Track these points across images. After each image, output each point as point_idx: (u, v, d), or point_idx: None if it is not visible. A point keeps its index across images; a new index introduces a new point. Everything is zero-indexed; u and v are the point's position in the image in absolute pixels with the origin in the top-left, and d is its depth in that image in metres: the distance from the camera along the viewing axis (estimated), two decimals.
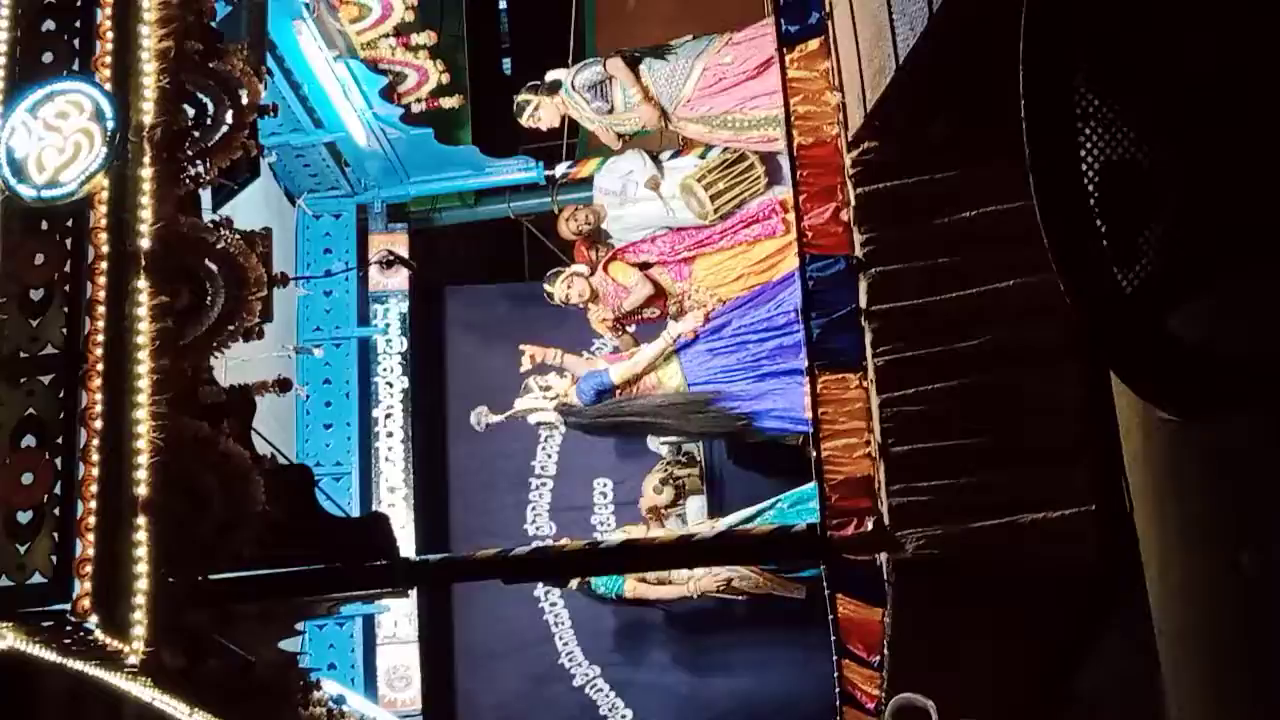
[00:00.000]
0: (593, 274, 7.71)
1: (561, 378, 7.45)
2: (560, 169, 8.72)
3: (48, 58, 5.41)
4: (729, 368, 6.98)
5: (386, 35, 8.21)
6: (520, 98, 7.76)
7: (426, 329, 8.94)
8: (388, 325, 8.84)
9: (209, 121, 5.61)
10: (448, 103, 8.47)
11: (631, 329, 7.74)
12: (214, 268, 5.42)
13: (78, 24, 5.42)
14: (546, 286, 7.75)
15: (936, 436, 5.43)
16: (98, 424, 4.98)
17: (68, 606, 4.82)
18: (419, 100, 8.42)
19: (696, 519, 7.89)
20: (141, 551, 4.95)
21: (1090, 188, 3.54)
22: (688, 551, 6.06)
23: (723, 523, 7.08)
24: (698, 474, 7.98)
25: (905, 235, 5.56)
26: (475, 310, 9.05)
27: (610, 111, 7.54)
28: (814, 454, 5.73)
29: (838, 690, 6.13)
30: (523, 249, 9.98)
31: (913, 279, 5.51)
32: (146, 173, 5.24)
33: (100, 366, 5.04)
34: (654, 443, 7.95)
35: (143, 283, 5.13)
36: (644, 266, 7.64)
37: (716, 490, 7.98)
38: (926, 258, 5.50)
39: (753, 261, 7.34)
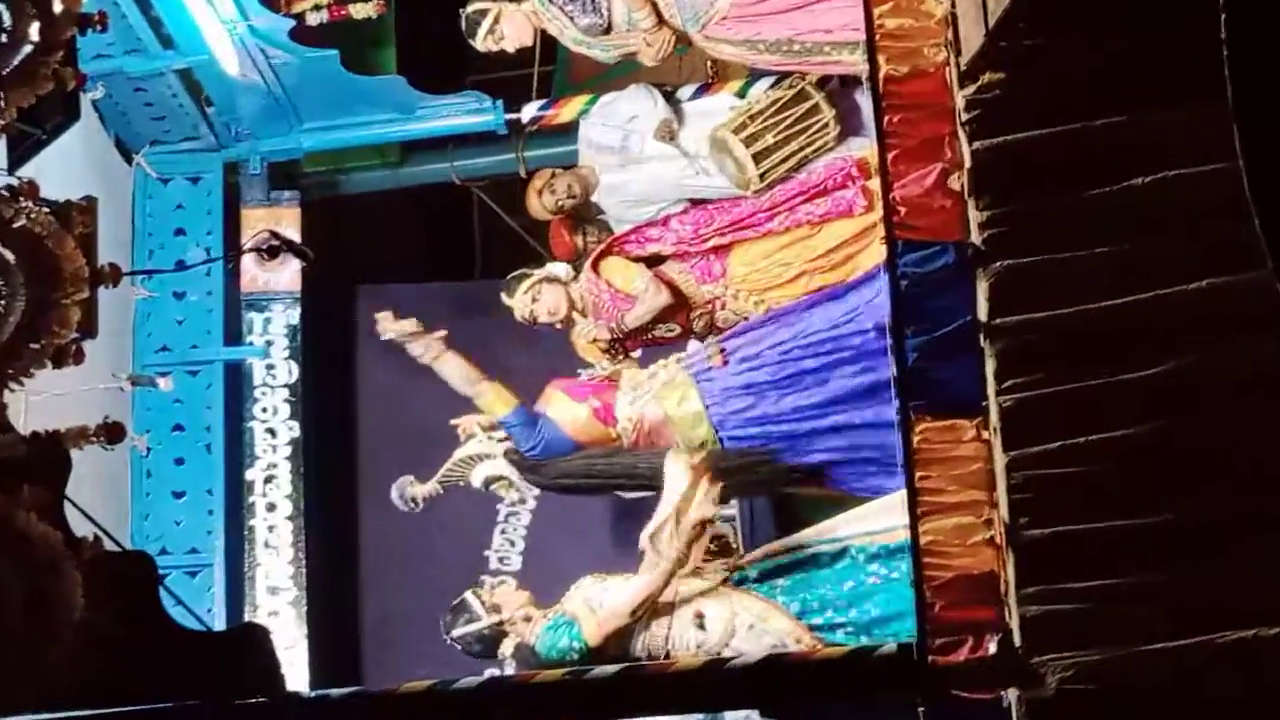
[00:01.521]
0: (575, 277, 7.71)
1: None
2: (529, 111, 8.72)
3: None
4: (776, 414, 6.99)
5: None
6: (472, 7, 7.81)
7: (328, 350, 8.97)
8: (269, 344, 8.87)
9: (4, 39, 5.58)
10: (360, 11, 8.50)
11: (637, 354, 7.73)
12: (9, 256, 5.40)
13: None
14: (505, 297, 7.75)
15: (1093, 513, 5.45)
16: None
17: None
18: (318, 7, 8.45)
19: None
20: None
21: None
22: (717, 680, 6.02)
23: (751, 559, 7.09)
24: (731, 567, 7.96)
25: (1045, 213, 5.60)
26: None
27: (606, 31, 7.61)
28: (910, 539, 5.75)
29: None
30: (473, 231, 10.01)
31: (1057, 278, 5.55)
32: None
33: None
34: None
35: None
36: (655, 261, 7.64)
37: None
38: (1077, 246, 5.53)
39: (818, 253, 7.39)
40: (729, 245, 7.52)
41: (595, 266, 7.66)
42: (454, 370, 7.47)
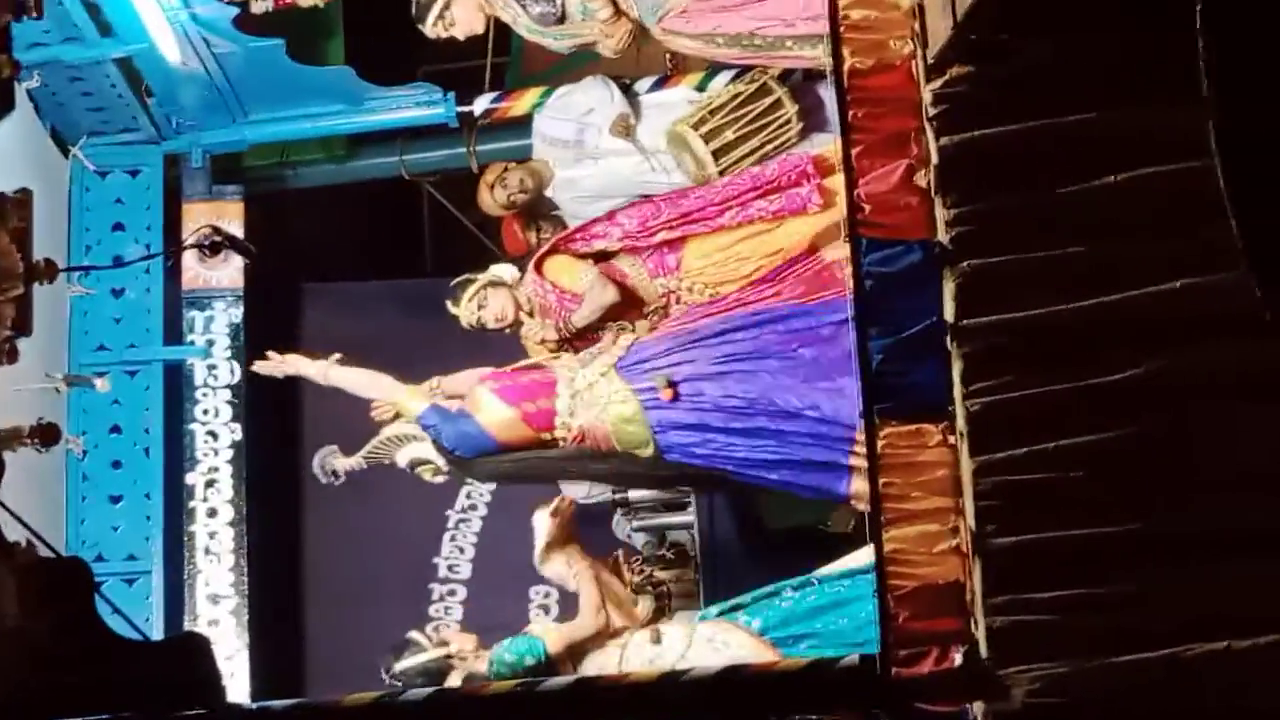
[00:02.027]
0: (521, 279, 7.71)
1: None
2: (482, 103, 8.71)
3: None
4: (725, 456, 7.04)
5: None
6: None
7: (272, 350, 8.60)
8: (211, 344, 8.81)
9: None
10: None
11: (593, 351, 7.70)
12: None
13: None
14: (450, 306, 7.73)
15: (1061, 521, 5.46)
16: None
17: None
18: None
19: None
20: None
21: None
22: (673, 692, 5.98)
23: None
24: (691, 578, 7.97)
25: (1014, 211, 5.63)
26: (347, 321, 9.05)
27: (560, 20, 7.62)
28: (873, 548, 5.77)
29: None
30: (423, 227, 9.99)
31: (1026, 278, 5.57)
32: None
33: None
34: (622, 528, 7.96)
35: None
36: (603, 257, 7.61)
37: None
38: (1046, 245, 5.56)
39: (772, 249, 7.35)
40: (682, 239, 7.47)
41: (539, 267, 7.62)
42: (349, 381, 7.49)
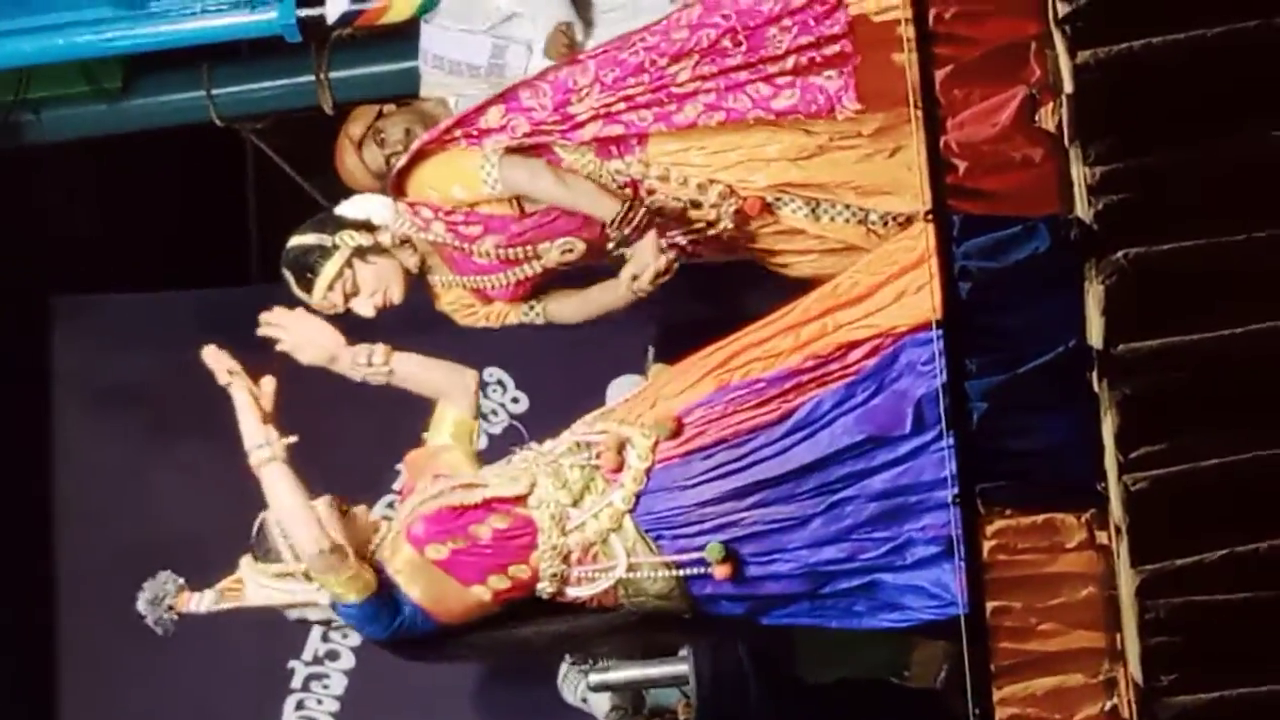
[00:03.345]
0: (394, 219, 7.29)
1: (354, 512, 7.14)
2: (338, 5, 8.50)
3: None
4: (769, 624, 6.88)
5: None
6: None
7: (4, 406, 8.87)
8: None
9: None
10: None
11: (534, 310, 7.30)
12: None
13: None
14: (296, 288, 7.24)
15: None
16: None
17: None
18: None
19: None
20: None
21: None
22: None
23: None
24: None
25: (1196, 168, 5.59)
26: (127, 356, 8.96)
27: None
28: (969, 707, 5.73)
29: None
30: (246, 204, 9.98)
31: (1217, 277, 5.56)
32: None
33: None
34: (574, 687, 7.89)
35: None
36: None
37: None
38: (1248, 223, 5.52)
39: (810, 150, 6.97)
40: (644, 132, 7.07)
41: (401, 186, 7.19)
42: (275, 492, 6.95)
